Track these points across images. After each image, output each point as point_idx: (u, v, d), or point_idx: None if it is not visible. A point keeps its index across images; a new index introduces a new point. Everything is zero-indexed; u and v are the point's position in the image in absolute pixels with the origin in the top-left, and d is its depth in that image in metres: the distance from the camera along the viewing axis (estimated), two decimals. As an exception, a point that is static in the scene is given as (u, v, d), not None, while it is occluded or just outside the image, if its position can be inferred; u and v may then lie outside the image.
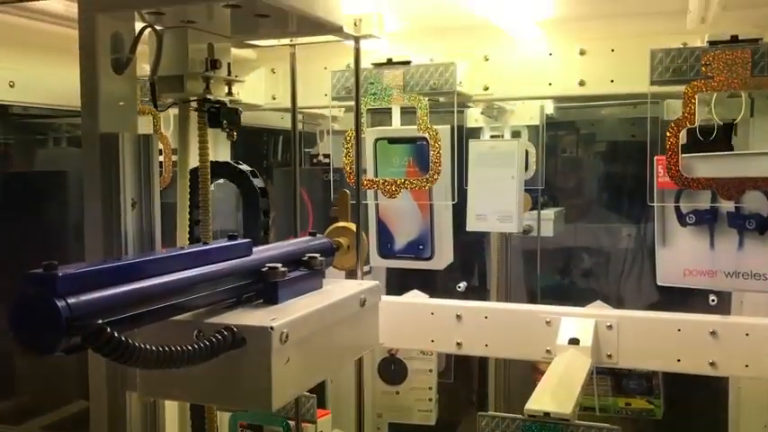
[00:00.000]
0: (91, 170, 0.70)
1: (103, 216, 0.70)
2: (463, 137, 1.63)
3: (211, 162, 0.86)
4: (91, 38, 0.70)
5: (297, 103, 1.04)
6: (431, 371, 1.82)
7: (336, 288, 0.81)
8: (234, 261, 0.70)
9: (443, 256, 1.25)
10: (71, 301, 0.53)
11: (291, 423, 1.20)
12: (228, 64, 0.81)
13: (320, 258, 0.78)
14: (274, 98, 1.59)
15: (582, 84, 1.38)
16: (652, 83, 1.06)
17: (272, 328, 0.63)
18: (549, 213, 2.10)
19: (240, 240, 0.72)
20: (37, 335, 0.53)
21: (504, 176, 1.69)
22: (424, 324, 1.48)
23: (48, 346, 0.53)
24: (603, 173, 2.73)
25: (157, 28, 0.75)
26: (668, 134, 1.03)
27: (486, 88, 1.45)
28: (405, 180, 1.13)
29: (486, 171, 1.65)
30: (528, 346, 1.44)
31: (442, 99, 1.29)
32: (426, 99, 1.13)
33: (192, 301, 0.64)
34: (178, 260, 0.65)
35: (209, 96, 0.78)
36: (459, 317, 1.44)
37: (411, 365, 1.83)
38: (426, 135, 1.12)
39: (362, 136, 1.09)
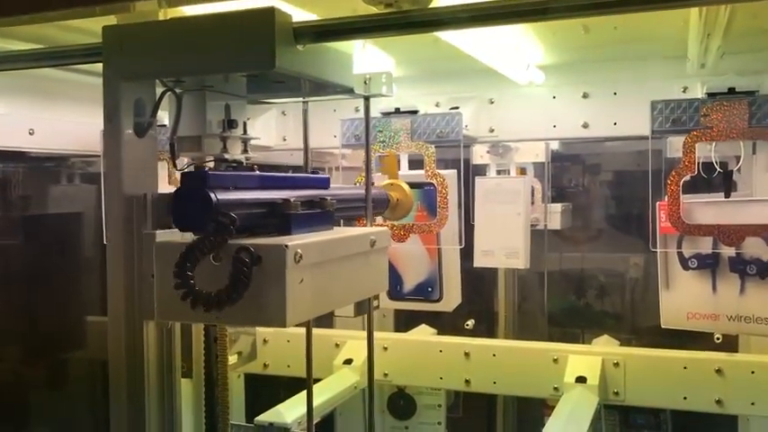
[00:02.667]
0: (115, 232, 0.73)
1: (125, 284, 0.73)
2: (470, 173, 1.67)
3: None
4: (115, 105, 0.74)
5: (309, 148, 1.07)
6: (439, 406, 1.84)
7: (347, 230, 0.85)
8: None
9: (452, 297, 1.27)
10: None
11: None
12: (244, 123, 0.85)
13: (331, 200, 0.81)
14: (285, 139, 1.63)
15: (585, 126, 1.42)
16: (653, 132, 1.10)
17: (286, 246, 0.67)
18: (556, 207, 2.12)
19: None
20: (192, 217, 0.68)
21: (511, 213, 1.72)
22: (432, 361, 1.50)
23: (200, 225, 0.67)
24: (610, 201, 2.76)
25: (177, 91, 0.79)
26: (669, 182, 1.06)
27: (492, 130, 1.48)
28: (413, 225, 1.16)
29: (492, 207, 1.68)
30: (536, 384, 1.46)
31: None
32: (433, 146, 1.16)
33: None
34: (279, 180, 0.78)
35: (225, 156, 0.82)
36: (467, 354, 1.47)
37: (420, 400, 1.85)
38: (434, 181, 1.15)
39: (372, 182, 1.12)
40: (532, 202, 1.96)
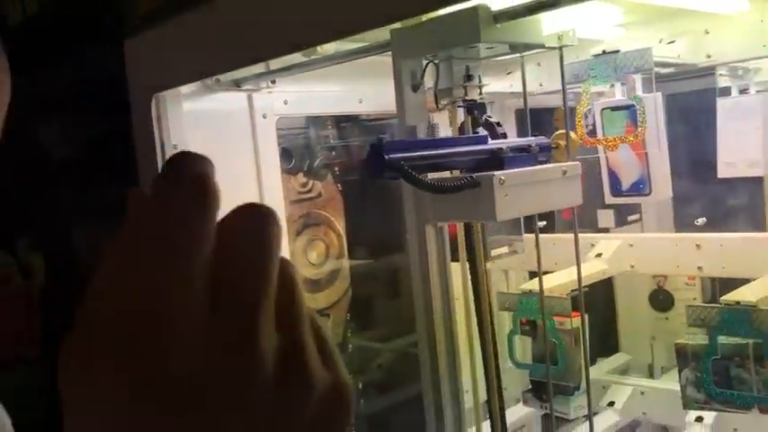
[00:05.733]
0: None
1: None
2: (715, 96, 1.95)
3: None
4: (400, 73, 1.27)
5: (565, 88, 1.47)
6: (695, 299, 2.14)
7: (545, 166, 1.24)
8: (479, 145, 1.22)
9: (660, 192, 1.61)
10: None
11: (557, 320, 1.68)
12: (479, 76, 1.32)
13: (535, 146, 1.24)
14: (541, 85, 2.07)
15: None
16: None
17: (493, 174, 1.12)
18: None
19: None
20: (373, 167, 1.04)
21: (749, 128, 1.97)
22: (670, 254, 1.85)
23: (378, 172, 1.03)
24: None
25: (435, 62, 1.30)
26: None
27: (709, 56, 1.76)
28: (621, 137, 1.54)
29: (732, 124, 1.95)
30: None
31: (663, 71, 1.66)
32: (634, 75, 1.52)
33: (454, 163, 1.19)
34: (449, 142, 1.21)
35: (466, 98, 1.30)
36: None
37: (677, 295, 2.17)
38: (634, 103, 1.51)
39: (589, 108, 1.54)
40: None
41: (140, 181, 1.33)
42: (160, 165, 1.34)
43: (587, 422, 1.55)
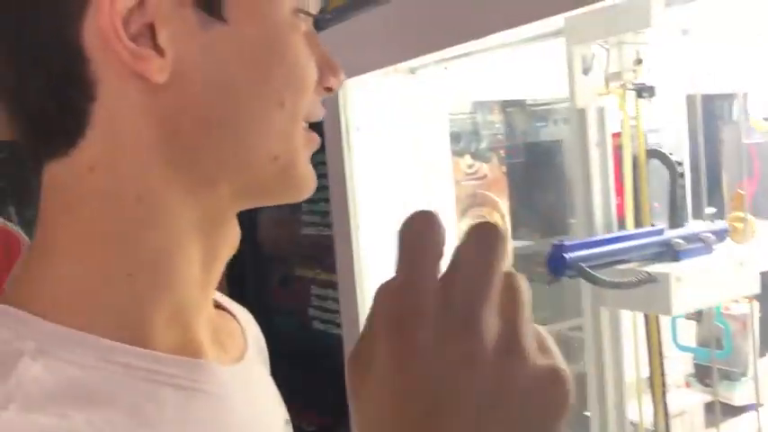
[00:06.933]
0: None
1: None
2: None
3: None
4: (572, 58, 1.33)
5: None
6: None
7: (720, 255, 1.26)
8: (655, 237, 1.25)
9: None
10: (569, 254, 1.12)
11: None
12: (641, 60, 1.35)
13: (712, 237, 1.24)
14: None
15: None
16: None
17: (669, 272, 1.14)
18: None
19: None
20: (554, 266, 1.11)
21: None
22: None
23: (559, 272, 1.11)
24: None
25: (605, 47, 1.34)
26: None
27: None
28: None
29: None
30: None
31: None
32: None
33: (631, 257, 1.22)
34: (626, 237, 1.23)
35: (636, 82, 1.33)
36: None
37: None
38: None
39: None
40: None
41: (327, 160, 1.48)
42: (345, 145, 1.49)
43: (755, 411, 1.54)
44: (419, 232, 0.45)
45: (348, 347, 1.61)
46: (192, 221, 0.59)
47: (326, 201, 1.62)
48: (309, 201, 0.79)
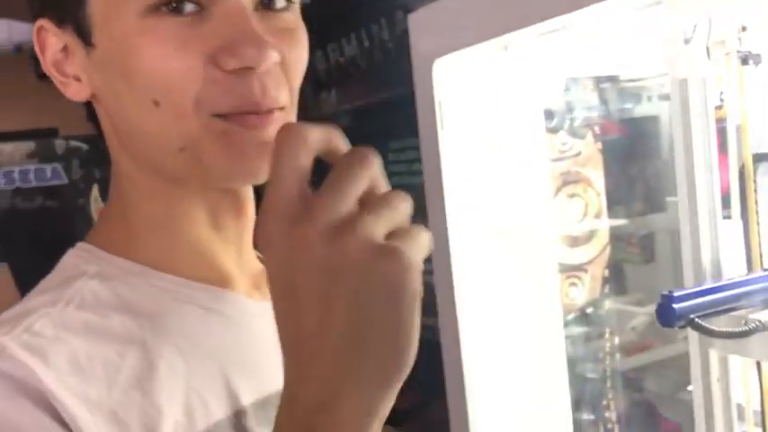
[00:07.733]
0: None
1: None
2: None
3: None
4: (672, 28, 1.29)
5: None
6: None
7: None
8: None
9: None
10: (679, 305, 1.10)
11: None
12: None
13: None
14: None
15: None
16: None
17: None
18: None
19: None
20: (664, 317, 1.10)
21: None
22: None
23: (670, 323, 1.10)
24: None
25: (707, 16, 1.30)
26: None
27: None
28: None
29: None
30: None
31: None
32: None
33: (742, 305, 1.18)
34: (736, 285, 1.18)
35: (740, 50, 1.29)
36: None
37: None
38: None
39: None
40: None
41: (420, 135, 1.50)
42: (438, 122, 1.50)
43: None
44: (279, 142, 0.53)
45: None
46: (174, 194, 0.74)
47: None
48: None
